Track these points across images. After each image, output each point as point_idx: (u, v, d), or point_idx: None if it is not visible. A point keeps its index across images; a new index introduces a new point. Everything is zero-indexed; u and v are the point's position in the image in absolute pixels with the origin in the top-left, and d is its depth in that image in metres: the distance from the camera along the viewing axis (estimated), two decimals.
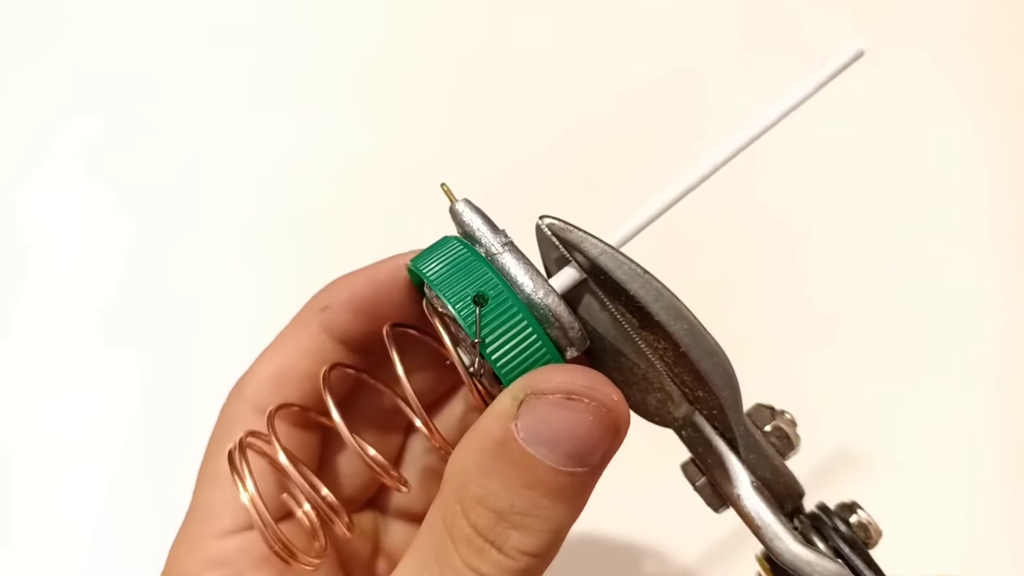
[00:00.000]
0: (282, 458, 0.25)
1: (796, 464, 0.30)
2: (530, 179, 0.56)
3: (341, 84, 0.60)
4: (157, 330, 0.52)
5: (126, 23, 0.60)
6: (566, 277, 0.25)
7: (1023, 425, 0.51)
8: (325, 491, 0.28)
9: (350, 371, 0.30)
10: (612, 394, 0.23)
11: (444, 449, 0.27)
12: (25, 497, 0.48)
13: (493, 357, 0.24)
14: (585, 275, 0.25)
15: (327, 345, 0.30)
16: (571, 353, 0.25)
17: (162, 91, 0.59)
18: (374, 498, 0.34)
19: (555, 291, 0.25)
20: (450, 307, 0.24)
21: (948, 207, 0.57)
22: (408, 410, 0.28)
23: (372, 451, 0.29)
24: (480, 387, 0.25)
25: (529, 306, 0.24)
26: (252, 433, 0.28)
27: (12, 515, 0.48)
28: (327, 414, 0.27)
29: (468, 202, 0.26)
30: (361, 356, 0.31)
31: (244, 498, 0.25)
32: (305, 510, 0.28)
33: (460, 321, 0.24)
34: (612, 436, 0.23)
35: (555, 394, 0.23)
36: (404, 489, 0.28)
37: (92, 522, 0.48)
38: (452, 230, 0.27)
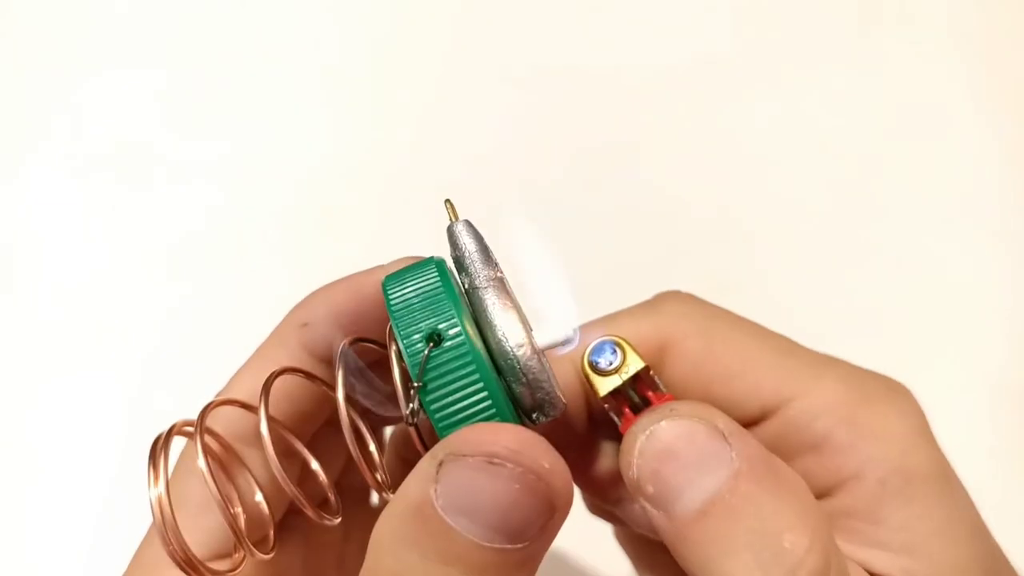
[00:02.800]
0: (200, 463, 0.23)
1: None
2: (530, 178, 0.56)
3: (343, 87, 0.60)
4: (157, 330, 0.53)
5: (131, 22, 0.60)
6: (556, 335, 0.23)
7: (1023, 425, 0.50)
8: (259, 498, 0.26)
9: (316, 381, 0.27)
10: (543, 460, 0.20)
11: (380, 489, 0.24)
12: (25, 497, 0.49)
13: (432, 407, 0.21)
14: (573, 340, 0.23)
15: (308, 363, 0.27)
16: (538, 418, 0.22)
17: (164, 90, 0.59)
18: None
19: (533, 342, 0.22)
20: (399, 340, 0.21)
21: (949, 206, 0.56)
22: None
23: (316, 464, 0.27)
24: (419, 437, 0.22)
25: (497, 354, 0.22)
26: (189, 423, 0.25)
27: (12, 515, 0.48)
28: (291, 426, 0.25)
29: (468, 224, 0.24)
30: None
31: (152, 495, 0.23)
32: (236, 510, 0.26)
33: (406, 357, 0.21)
34: (545, 509, 0.20)
35: (475, 456, 0.20)
36: (329, 521, 0.25)
37: (92, 522, 0.48)
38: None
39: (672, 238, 0.55)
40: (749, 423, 0.27)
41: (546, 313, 0.24)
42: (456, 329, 0.21)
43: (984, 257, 0.55)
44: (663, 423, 0.22)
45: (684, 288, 0.54)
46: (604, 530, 0.43)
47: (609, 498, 0.30)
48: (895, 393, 0.27)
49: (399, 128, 0.58)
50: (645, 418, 0.23)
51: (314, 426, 0.29)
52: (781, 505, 0.22)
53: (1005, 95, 0.58)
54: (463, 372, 0.21)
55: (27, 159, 0.57)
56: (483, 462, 0.20)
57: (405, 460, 0.33)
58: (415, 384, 0.21)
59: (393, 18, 0.61)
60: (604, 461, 0.30)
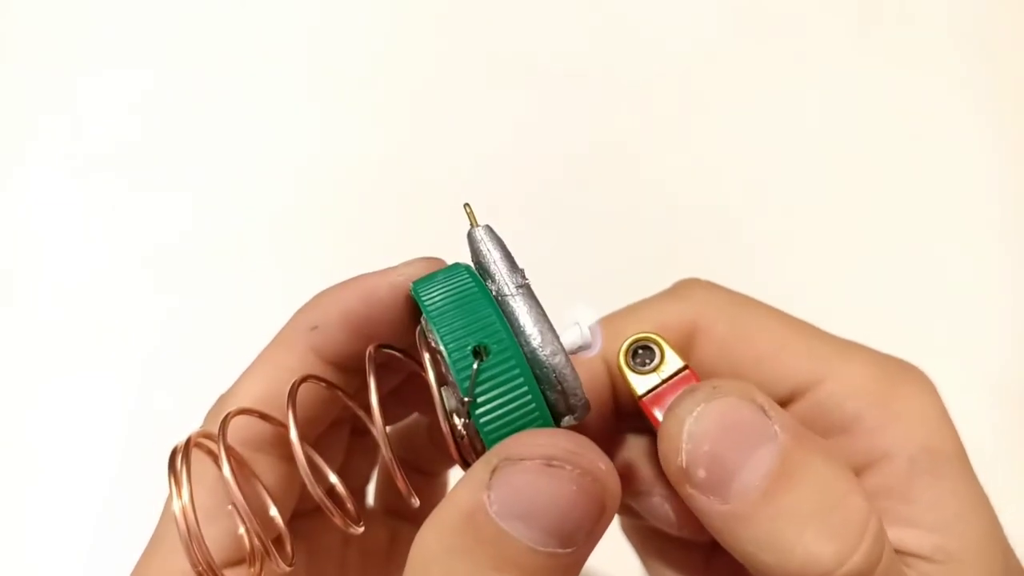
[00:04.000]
0: (226, 473, 0.23)
1: None
2: (530, 178, 0.56)
3: (343, 87, 0.59)
4: (157, 330, 0.52)
5: (131, 22, 0.60)
6: (576, 336, 0.23)
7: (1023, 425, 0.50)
8: (274, 511, 0.25)
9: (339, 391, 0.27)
10: (599, 462, 0.20)
11: (410, 495, 0.24)
12: (25, 497, 0.48)
13: (481, 420, 0.21)
14: (591, 342, 0.23)
15: (316, 366, 0.27)
16: (568, 421, 0.22)
17: (165, 90, 0.59)
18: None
19: (564, 350, 0.22)
20: (446, 353, 0.21)
21: (949, 206, 0.57)
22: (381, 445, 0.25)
23: (334, 477, 0.27)
24: (459, 445, 0.22)
25: (532, 363, 0.21)
26: (207, 435, 0.25)
27: (12, 515, 0.48)
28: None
29: (489, 229, 0.23)
30: (352, 376, 0.28)
31: (176, 506, 0.22)
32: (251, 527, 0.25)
33: (454, 372, 0.21)
34: (598, 512, 0.20)
35: (534, 459, 0.20)
36: (354, 530, 0.25)
37: (92, 522, 0.48)
38: (461, 240, 0.24)
39: (671, 238, 0.55)
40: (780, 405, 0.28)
41: (567, 318, 0.24)
42: (503, 341, 0.21)
43: (984, 257, 0.55)
44: (712, 403, 0.22)
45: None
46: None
47: (626, 491, 0.30)
48: (914, 375, 0.27)
49: (398, 129, 0.58)
50: (687, 399, 0.22)
51: (317, 430, 0.29)
52: (834, 470, 0.22)
53: (1005, 95, 0.58)
54: (512, 384, 0.21)
55: (27, 159, 0.56)
56: (541, 464, 0.20)
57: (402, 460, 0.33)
58: (466, 399, 0.21)
59: (393, 18, 0.61)
60: (623, 454, 0.30)
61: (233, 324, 0.52)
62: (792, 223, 0.56)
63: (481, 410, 0.21)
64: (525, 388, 0.21)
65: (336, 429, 0.30)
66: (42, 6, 0.59)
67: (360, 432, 0.31)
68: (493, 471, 0.20)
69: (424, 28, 0.61)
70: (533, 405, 0.21)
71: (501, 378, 0.21)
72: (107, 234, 0.54)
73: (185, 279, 0.54)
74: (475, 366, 0.21)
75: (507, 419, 0.21)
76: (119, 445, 0.50)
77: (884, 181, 0.57)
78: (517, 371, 0.21)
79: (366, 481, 0.34)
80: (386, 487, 0.34)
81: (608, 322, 0.29)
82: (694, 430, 0.22)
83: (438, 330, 0.22)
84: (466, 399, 0.21)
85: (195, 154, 0.57)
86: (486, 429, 0.21)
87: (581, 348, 0.23)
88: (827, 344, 0.27)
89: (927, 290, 0.54)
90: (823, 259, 0.55)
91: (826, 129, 0.58)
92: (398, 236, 0.54)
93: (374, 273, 0.26)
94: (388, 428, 0.33)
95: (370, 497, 0.35)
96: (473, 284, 0.22)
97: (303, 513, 0.29)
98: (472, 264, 0.24)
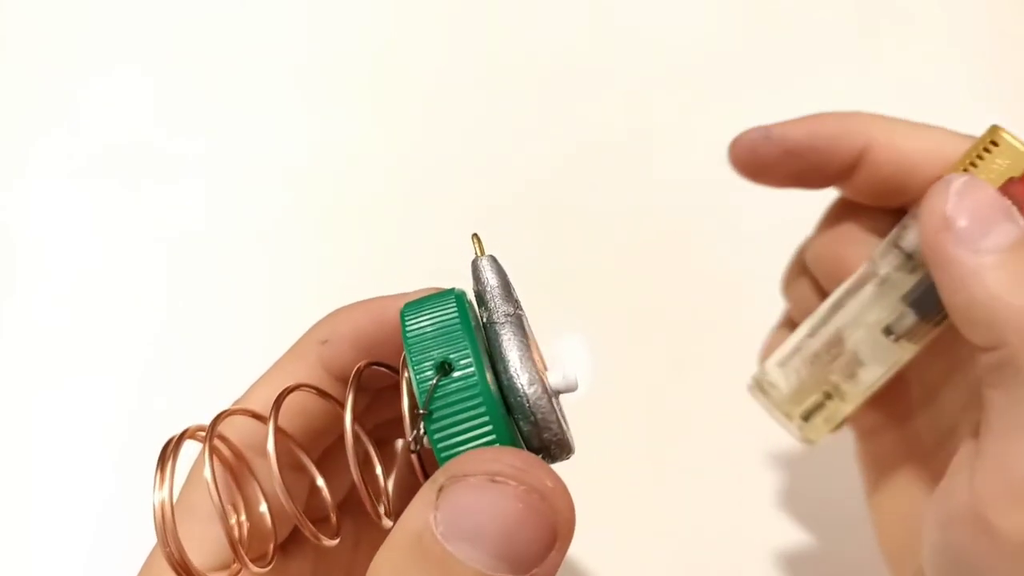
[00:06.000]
0: (206, 472, 0.23)
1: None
2: (530, 178, 0.56)
3: (348, 86, 0.59)
4: (159, 331, 0.52)
5: (132, 21, 0.60)
6: (559, 377, 0.23)
7: None
8: (264, 509, 0.26)
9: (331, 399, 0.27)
10: (546, 480, 0.20)
11: (378, 518, 0.24)
12: (24, 498, 0.48)
13: (436, 436, 0.21)
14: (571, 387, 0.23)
15: (325, 380, 0.27)
16: (545, 460, 0.22)
17: (167, 89, 0.59)
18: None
19: (544, 381, 0.22)
20: (410, 367, 0.21)
21: None
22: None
23: (321, 481, 0.27)
24: (422, 465, 0.22)
25: (507, 390, 0.21)
26: (202, 429, 0.25)
27: (12, 516, 0.48)
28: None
29: (493, 259, 0.24)
30: (362, 394, 0.28)
31: (155, 499, 0.22)
32: (240, 520, 0.26)
33: (415, 384, 0.21)
34: (549, 534, 0.19)
35: (477, 475, 0.19)
36: (327, 542, 0.25)
37: (92, 522, 0.48)
38: (460, 245, 0.25)
39: (672, 239, 0.55)
40: None
41: (562, 356, 0.24)
42: (467, 360, 0.21)
43: None
44: (978, 177, 0.27)
45: (685, 291, 0.54)
46: (604, 537, 0.43)
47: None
48: None
49: (399, 130, 0.58)
50: (960, 174, 0.27)
51: (325, 442, 0.29)
52: None
53: (1005, 95, 0.58)
54: (470, 404, 0.21)
55: (27, 160, 0.57)
56: (485, 480, 0.19)
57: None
58: (421, 411, 0.21)
59: (395, 18, 0.61)
60: None
61: (234, 326, 0.52)
62: (790, 223, 0.55)
63: (436, 425, 0.21)
64: (483, 408, 0.21)
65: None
66: (42, 6, 0.60)
67: (379, 444, 0.32)
68: (440, 490, 0.20)
69: (424, 28, 0.61)
70: (490, 427, 0.21)
71: (460, 395, 0.21)
72: (108, 235, 0.55)
73: (187, 281, 0.53)
74: (434, 380, 0.21)
75: (461, 438, 0.21)
76: (120, 446, 0.49)
77: None
78: (477, 390, 0.21)
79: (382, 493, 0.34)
80: (398, 495, 0.35)
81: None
82: (963, 190, 0.26)
83: (409, 351, 0.22)
84: (422, 412, 0.21)
85: (196, 157, 0.57)
86: (439, 446, 0.21)
87: (565, 389, 0.23)
88: None
89: None
90: None
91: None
92: (397, 237, 0.54)
93: (388, 296, 0.27)
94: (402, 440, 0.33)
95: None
96: (455, 309, 0.23)
97: (313, 520, 0.30)
98: (473, 292, 0.24)
